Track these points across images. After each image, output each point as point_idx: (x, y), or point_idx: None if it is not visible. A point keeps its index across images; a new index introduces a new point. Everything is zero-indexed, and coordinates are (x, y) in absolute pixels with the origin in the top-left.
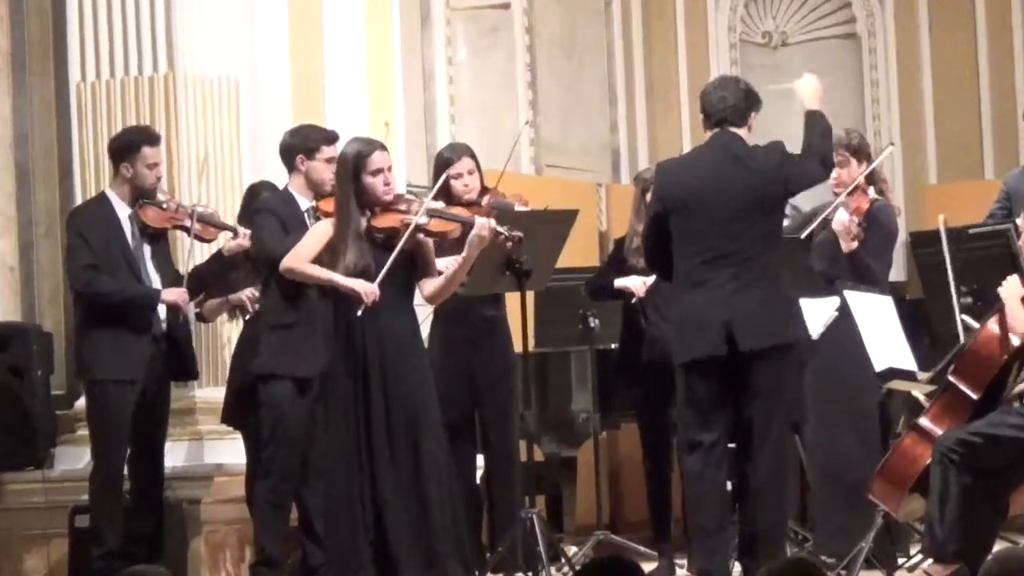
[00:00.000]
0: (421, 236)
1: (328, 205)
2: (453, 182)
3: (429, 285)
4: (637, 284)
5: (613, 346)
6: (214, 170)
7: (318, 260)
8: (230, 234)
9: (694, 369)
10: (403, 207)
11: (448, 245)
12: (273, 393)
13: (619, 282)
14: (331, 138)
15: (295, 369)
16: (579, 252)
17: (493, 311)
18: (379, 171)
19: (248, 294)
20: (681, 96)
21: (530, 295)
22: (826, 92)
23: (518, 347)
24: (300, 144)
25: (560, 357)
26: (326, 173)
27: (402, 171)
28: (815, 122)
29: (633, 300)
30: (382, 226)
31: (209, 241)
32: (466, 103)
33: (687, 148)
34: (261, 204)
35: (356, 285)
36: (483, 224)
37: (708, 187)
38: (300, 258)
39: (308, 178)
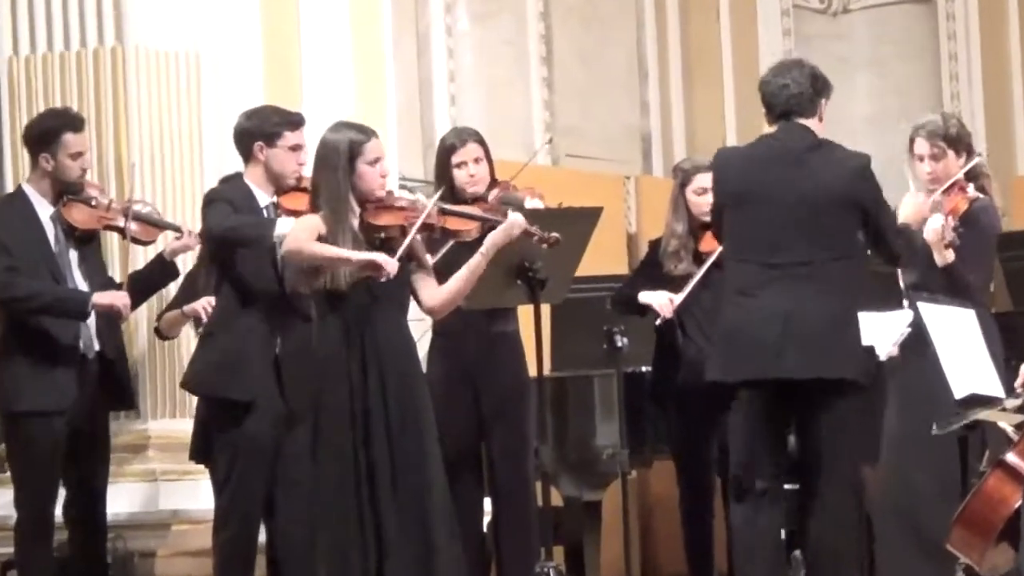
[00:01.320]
0: (431, 236)
1: (292, 201)
2: (456, 172)
3: (431, 294)
4: (663, 303)
5: (645, 369)
6: (170, 161)
7: (304, 272)
8: (174, 234)
9: (747, 391)
10: (402, 204)
11: (445, 255)
12: (224, 424)
13: (644, 296)
14: (295, 122)
15: (230, 390)
16: (604, 257)
17: (504, 326)
18: (376, 160)
19: (205, 303)
20: (724, 71)
21: (546, 309)
22: (896, 67)
23: (532, 370)
24: (258, 128)
25: (581, 382)
26: (289, 163)
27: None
28: (906, 237)
29: (658, 321)
30: (384, 223)
31: (149, 243)
32: (468, 81)
33: (731, 132)
34: (213, 194)
35: (375, 256)
36: (515, 222)
37: (771, 180)
38: (302, 239)
39: (268, 169)
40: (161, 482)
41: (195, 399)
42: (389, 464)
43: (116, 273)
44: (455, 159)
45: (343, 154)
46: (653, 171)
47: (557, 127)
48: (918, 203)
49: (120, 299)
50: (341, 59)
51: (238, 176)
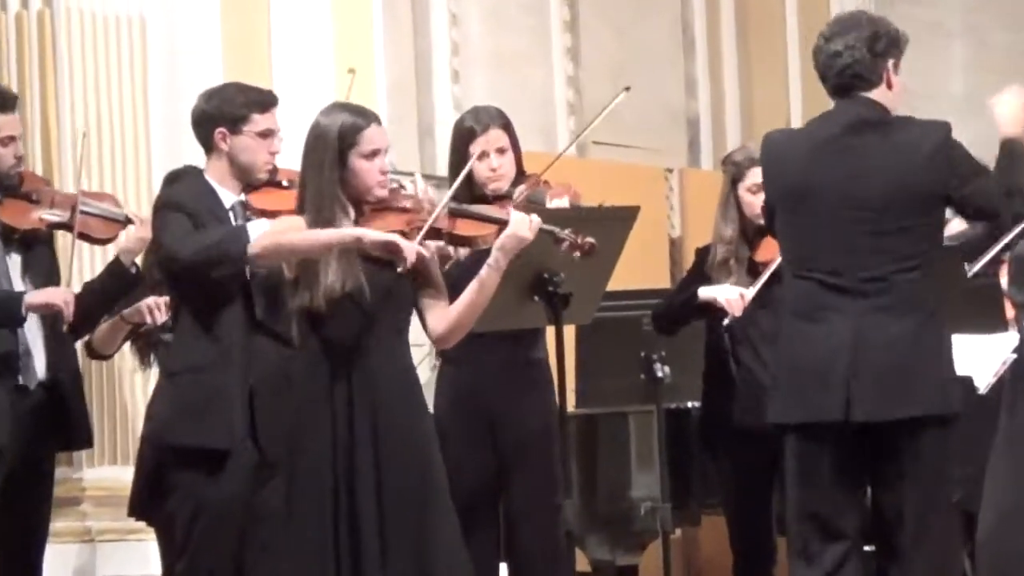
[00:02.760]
0: (434, 246)
1: (265, 199)
2: (476, 165)
3: (438, 317)
4: (732, 297)
5: (692, 404)
6: (111, 146)
7: (280, 286)
8: (130, 229)
9: (809, 436)
10: (406, 204)
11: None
12: (185, 476)
13: (706, 291)
14: (266, 102)
15: (207, 437)
16: (642, 267)
17: (529, 352)
18: (374, 153)
19: (152, 303)
20: (789, 42)
21: (570, 331)
22: (995, 37)
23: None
24: (219, 111)
25: (614, 421)
26: (259, 153)
27: None
28: (1015, 154)
29: (726, 320)
30: (383, 230)
31: (103, 242)
32: (475, 53)
33: (797, 115)
34: (165, 198)
35: (392, 236)
36: (522, 221)
37: (828, 174)
38: (282, 233)
39: (233, 160)
40: (98, 543)
41: (138, 442)
42: (377, 531)
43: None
44: (474, 148)
45: (332, 144)
46: (701, 163)
47: (584, 109)
48: (1014, 104)
49: (59, 296)
50: (318, 26)
51: (196, 171)
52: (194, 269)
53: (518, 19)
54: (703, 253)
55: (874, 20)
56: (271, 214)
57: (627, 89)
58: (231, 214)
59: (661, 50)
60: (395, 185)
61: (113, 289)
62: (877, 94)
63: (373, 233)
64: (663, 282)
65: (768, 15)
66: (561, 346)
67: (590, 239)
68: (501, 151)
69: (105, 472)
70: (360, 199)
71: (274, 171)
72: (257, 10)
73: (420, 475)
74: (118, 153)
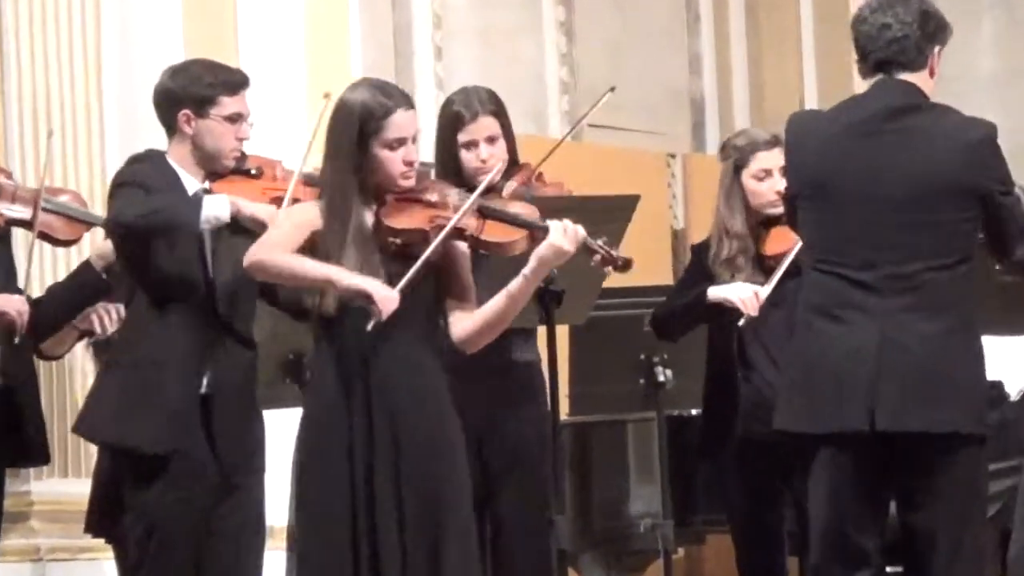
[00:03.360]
0: (460, 246)
1: (231, 188)
2: (463, 154)
3: (462, 321)
4: (746, 295)
5: (695, 411)
6: (61, 131)
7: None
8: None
9: (829, 447)
10: (432, 197)
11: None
12: (135, 485)
13: (715, 292)
14: (235, 82)
15: (133, 438)
16: (642, 262)
17: (520, 354)
18: (400, 142)
19: (102, 311)
20: (803, 14)
21: (563, 332)
22: None
23: None
24: (185, 91)
25: (611, 430)
26: (226, 138)
27: None
28: None
29: (742, 322)
30: (402, 227)
31: (67, 243)
32: (460, 27)
33: (811, 97)
34: (128, 175)
35: (368, 285)
36: (562, 232)
37: (860, 161)
38: (275, 246)
39: (198, 145)
40: (48, 562)
41: (94, 452)
42: (398, 550)
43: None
44: (462, 137)
45: (351, 127)
46: (707, 147)
47: (579, 89)
48: None
49: (12, 305)
50: (288, 2)
51: (158, 154)
52: (133, 230)
53: None
54: (701, 250)
55: (925, 0)
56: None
57: (612, 90)
58: None
59: (663, 23)
60: (435, 178)
61: (79, 296)
62: (918, 78)
63: (348, 278)
64: (665, 278)
65: None
66: (554, 348)
67: (625, 255)
68: (491, 140)
69: (56, 485)
70: (382, 190)
71: (242, 158)
72: None
73: (436, 490)
74: (69, 136)
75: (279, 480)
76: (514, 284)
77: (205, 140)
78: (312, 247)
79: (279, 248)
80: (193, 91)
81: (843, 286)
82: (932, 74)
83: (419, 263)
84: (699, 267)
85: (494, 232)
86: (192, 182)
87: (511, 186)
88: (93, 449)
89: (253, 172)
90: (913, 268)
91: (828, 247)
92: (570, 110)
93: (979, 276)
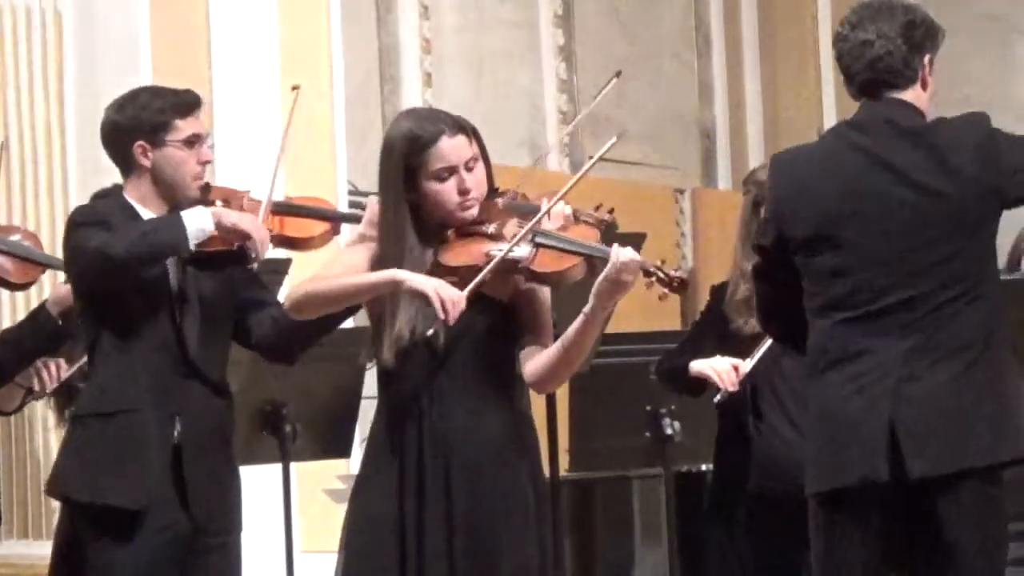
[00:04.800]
0: (521, 280)
1: None
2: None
3: (531, 362)
4: (723, 369)
5: (705, 468)
6: (20, 162)
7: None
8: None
9: (841, 506)
10: (491, 229)
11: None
12: (101, 545)
13: (696, 365)
14: (187, 103)
15: (114, 494)
16: (647, 305)
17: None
18: (450, 171)
19: (41, 367)
20: (821, 36)
21: None
22: None
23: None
24: (135, 122)
25: (614, 488)
26: (187, 165)
27: (343, 166)
28: None
29: (717, 398)
30: (456, 264)
31: (19, 287)
32: (451, 52)
33: (832, 124)
34: (80, 215)
35: (428, 286)
36: (623, 258)
37: (862, 197)
38: (321, 280)
39: (158, 178)
40: None
41: (57, 511)
42: None
43: None
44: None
45: (396, 165)
46: (717, 181)
47: (579, 116)
48: None
49: None
50: (264, 20)
51: (116, 190)
52: (131, 264)
53: (501, 11)
54: (719, 292)
55: (908, 6)
56: (203, 240)
57: (618, 74)
58: None
59: (670, 47)
60: (504, 204)
61: (32, 342)
62: (910, 95)
63: (412, 278)
64: (672, 323)
65: (796, 5)
66: (552, 399)
67: (681, 274)
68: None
69: (14, 547)
70: (440, 225)
71: (206, 189)
72: (192, 3)
73: (511, 562)
74: (33, 174)
75: (257, 541)
76: (577, 325)
77: (165, 170)
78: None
79: (322, 278)
80: (144, 119)
81: (851, 331)
82: (925, 86)
83: (465, 292)
84: (715, 308)
85: (550, 262)
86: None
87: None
88: (56, 507)
89: (219, 205)
90: (927, 306)
91: (832, 291)
92: (568, 142)
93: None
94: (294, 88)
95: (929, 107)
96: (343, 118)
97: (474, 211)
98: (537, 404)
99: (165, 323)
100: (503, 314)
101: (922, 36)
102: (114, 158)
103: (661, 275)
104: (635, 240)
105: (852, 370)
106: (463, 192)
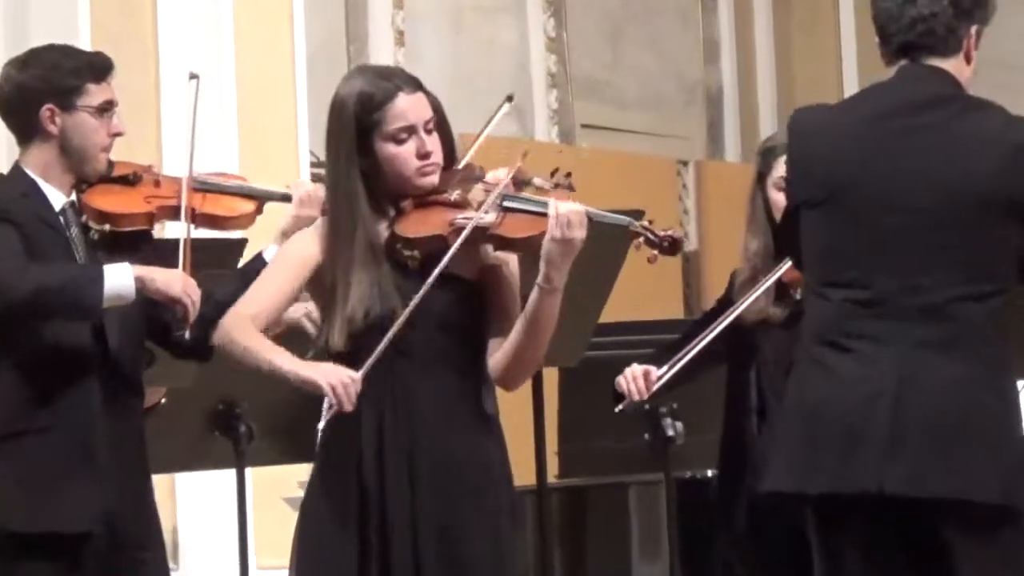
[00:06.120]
0: (491, 251)
1: (106, 200)
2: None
3: (498, 353)
4: (630, 375)
5: (709, 473)
6: None
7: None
8: None
9: (833, 515)
10: (454, 196)
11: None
12: (39, 569)
13: (619, 380)
14: (102, 66)
15: (53, 518)
16: (646, 291)
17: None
18: (408, 131)
19: None
20: None
21: (551, 376)
22: None
23: (529, 478)
24: (44, 82)
25: (609, 495)
26: (97, 135)
27: (304, 133)
28: None
29: (619, 407)
30: (416, 235)
31: None
32: (426, 5)
33: (852, 88)
34: None
35: (319, 376)
36: (564, 212)
37: (876, 164)
38: (249, 315)
39: (65, 147)
40: None
41: None
42: None
43: None
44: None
45: (347, 126)
46: (725, 153)
47: (572, 82)
48: None
49: None
50: None
51: (14, 168)
52: (28, 312)
53: None
54: (735, 274)
55: None
56: (115, 217)
57: (510, 99)
58: (61, 219)
59: (672, 3)
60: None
61: None
62: (951, 65)
63: (297, 369)
64: (675, 310)
65: None
66: (539, 396)
67: (670, 231)
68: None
69: None
70: (397, 194)
71: (110, 164)
72: None
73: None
74: None
75: (207, 556)
76: (532, 299)
77: (73, 138)
78: (318, 283)
79: (260, 311)
80: (55, 81)
81: (854, 311)
82: (969, 60)
83: (432, 276)
84: (727, 294)
85: (519, 226)
86: (56, 196)
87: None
88: None
89: (130, 178)
90: (940, 296)
91: (837, 266)
92: (559, 108)
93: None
94: (192, 77)
95: (969, 84)
96: (304, 81)
97: (434, 178)
98: (523, 403)
99: (89, 333)
100: (469, 293)
101: (972, 3)
102: (14, 123)
103: (650, 235)
104: (631, 217)
105: (849, 357)
106: (423, 156)
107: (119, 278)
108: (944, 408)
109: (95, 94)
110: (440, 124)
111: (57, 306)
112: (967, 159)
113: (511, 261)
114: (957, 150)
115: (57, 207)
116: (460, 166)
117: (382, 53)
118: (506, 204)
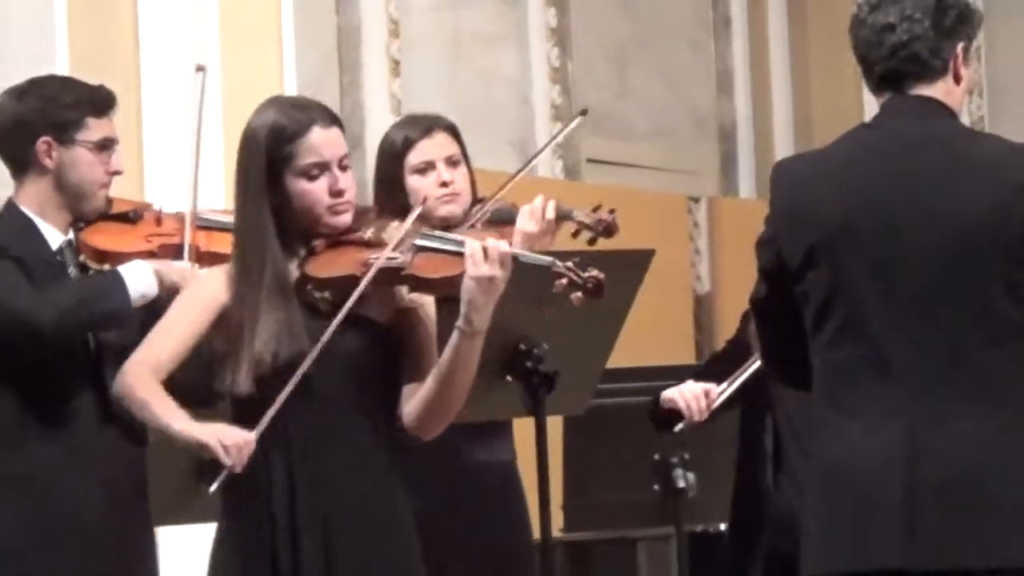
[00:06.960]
0: (406, 295)
1: (105, 238)
2: (418, 182)
3: (409, 400)
4: (689, 396)
5: (723, 527)
6: None
7: (199, 357)
8: None
9: None
10: (368, 235)
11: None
12: None
13: (667, 393)
14: (104, 100)
15: (50, 567)
16: (656, 334)
17: (490, 453)
18: (320, 167)
19: None
20: None
21: (556, 424)
22: None
23: (533, 531)
24: (43, 115)
25: (617, 549)
26: (95, 172)
27: None
28: None
29: (678, 427)
30: (326, 275)
31: None
32: (422, 33)
33: None
34: None
35: (211, 438)
36: (479, 251)
37: (879, 212)
38: (150, 366)
39: (61, 183)
40: None
41: None
42: None
43: None
44: (412, 159)
45: (257, 160)
46: (739, 188)
47: (574, 112)
48: None
49: None
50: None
51: (9, 205)
52: (61, 335)
53: None
54: (748, 319)
55: None
56: (115, 256)
57: (584, 113)
58: (59, 259)
59: (683, 28)
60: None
61: None
62: (940, 89)
63: (188, 429)
64: (686, 355)
65: None
66: (543, 445)
67: (595, 272)
68: (452, 161)
69: None
70: (308, 233)
71: (109, 201)
72: None
73: None
74: None
75: None
76: (451, 342)
77: (70, 174)
78: (223, 325)
79: (163, 361)
80: (53, 113)
81: (859, 371)
82: (958, 80)
83: (338, 318)
84: (740, 334)
85: (431, 267)
86: (54, 233)
87: (480, 211)
88: None
89: (131, 215)
90: (952, 347)
91: (837, 324)
92: (564, 142)
93: None
94: (199, 69)
95: (962, 105)
96: None
97: (347, 217)
98: (526, 451)
99: (82, 362)
100: (381, 337)
101: (955, 20)
102: (8, 155)
103: (573, 277)
104: (640, 257)
105: (857, 426)
106: (336, 194)
107: (139, 275)
108: (962, 468)
109: (95, 129)
110: (464, 156)
111: (87, 319)
112: (971, 197)
113: (427, 304)
114: (959, 191)
115: (54, 246)
116: (493, 201)
117: (376, 83)
118: (419, 243)
